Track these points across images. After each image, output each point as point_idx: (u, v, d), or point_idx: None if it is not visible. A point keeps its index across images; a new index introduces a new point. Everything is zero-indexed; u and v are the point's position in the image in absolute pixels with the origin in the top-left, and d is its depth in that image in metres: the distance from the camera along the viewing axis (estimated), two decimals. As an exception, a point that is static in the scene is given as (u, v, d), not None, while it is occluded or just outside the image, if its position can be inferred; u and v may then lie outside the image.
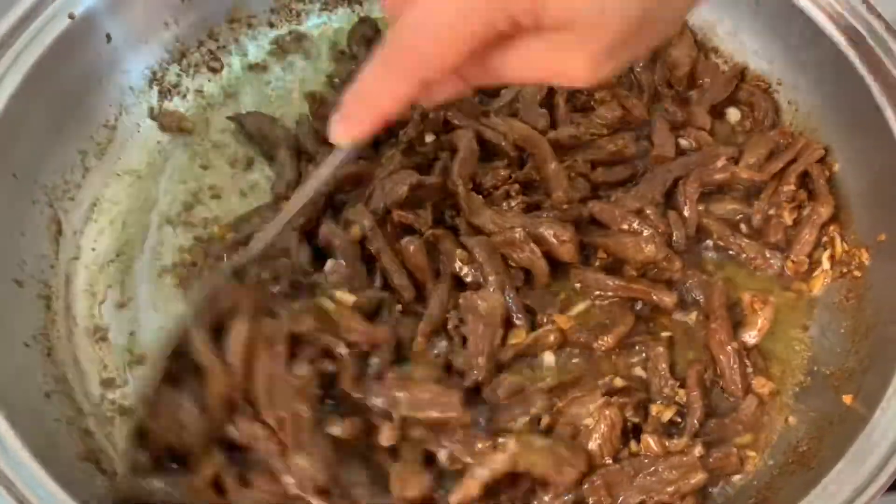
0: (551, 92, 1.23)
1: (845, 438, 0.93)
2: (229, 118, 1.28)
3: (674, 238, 1.13)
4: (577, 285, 1.11)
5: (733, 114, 1.28)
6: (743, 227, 1.17)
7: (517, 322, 1.07)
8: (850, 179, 1.17)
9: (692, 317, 1.10)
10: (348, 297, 1.04)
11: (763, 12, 1.24)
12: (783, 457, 1.03)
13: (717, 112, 1.27)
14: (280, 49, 1.35)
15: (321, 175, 0.93)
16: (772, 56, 1.26)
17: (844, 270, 1.13)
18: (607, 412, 0.98)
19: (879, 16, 1.14)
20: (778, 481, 1.00)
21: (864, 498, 0.87)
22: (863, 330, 1.07)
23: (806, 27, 1.18)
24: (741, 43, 1.28)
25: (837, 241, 1.15)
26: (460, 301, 1.05)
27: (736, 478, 1.02)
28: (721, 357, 1.05)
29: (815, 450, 0.99)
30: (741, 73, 1.28)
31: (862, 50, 1.13)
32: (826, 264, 1.15)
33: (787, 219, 1.17)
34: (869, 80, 1.11)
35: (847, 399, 1.01)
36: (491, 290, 1.05)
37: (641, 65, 1.28)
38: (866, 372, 1.02)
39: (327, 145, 0.90)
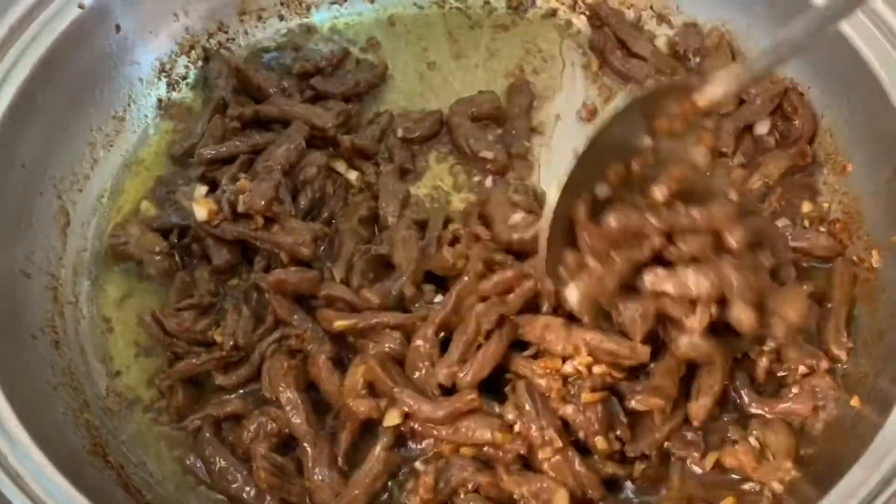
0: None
1: (859, 442, 0.92)
2: None
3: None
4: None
5: (762, 126, 1.25)
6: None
7: None
8: (863, 179, 1.16)
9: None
10: None
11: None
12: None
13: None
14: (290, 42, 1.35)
15: None
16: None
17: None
18: None
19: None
20: (792, 484, 0.99)
21: (879, 501, 0.87)
22: (875, 333, 1.06)
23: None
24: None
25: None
26: None
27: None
28: None
29: (828, 453, 0.99)
30: (784, 91, 1.24)
31: (875, 48, 1.13)
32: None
33: None
34: (883, 79, 1.11)
35: (855, 401, 1.00)
36: None
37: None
38: (879, 375, 1.02)
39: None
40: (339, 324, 1.07)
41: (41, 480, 0.91)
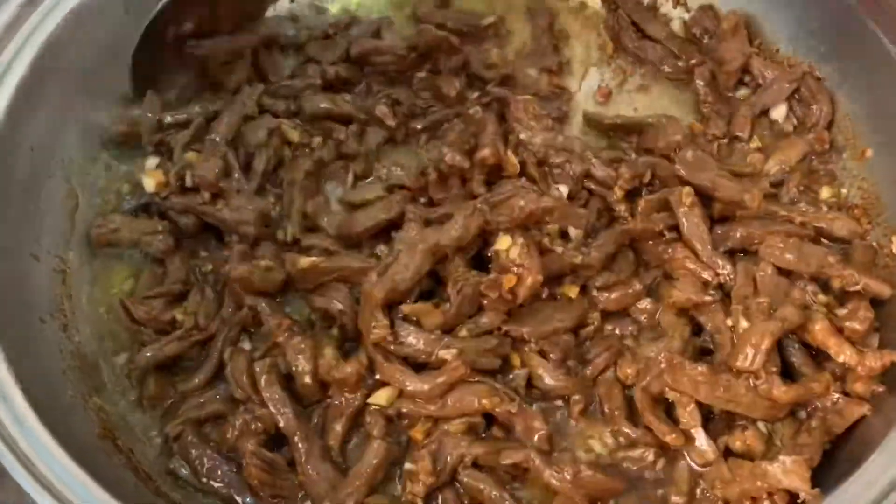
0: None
1: (881, 429, 0.92)
2: None
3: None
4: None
5: (778, 111, 1.24)
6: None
7: None
8: (883, 164, 1.15)
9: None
10: None
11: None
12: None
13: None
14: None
15: None
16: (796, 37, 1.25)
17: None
18: None
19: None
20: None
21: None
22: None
23: None
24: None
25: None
26: None
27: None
28: None
29: (847, 438, 0.98)
30: (801, 76, 1.23)
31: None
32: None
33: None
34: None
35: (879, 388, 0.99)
36: None
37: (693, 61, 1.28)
38: (899, 361, 1.00)
39: None
40: (305, 261, 1.08)
41: (51, 464, 0.90)
